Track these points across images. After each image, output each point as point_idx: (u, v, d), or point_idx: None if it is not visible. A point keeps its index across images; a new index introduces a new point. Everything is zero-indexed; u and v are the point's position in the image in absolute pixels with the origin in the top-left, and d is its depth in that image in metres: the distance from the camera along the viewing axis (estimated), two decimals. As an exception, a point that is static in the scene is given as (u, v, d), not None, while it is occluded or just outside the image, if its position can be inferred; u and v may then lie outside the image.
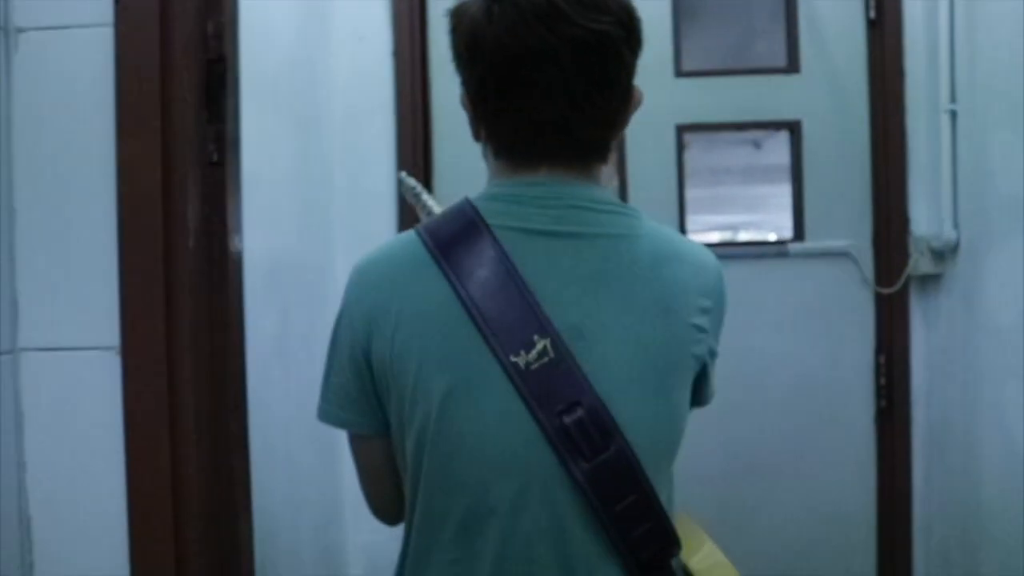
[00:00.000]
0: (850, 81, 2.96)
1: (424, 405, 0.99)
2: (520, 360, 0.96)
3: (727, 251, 3.01)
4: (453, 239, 1.02)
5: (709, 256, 1.12)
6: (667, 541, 1.04)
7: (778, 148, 3.11)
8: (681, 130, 2.98)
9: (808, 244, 2.95)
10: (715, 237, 3.20)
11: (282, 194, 2.39)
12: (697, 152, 3.03)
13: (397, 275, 1.03)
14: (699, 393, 1.14)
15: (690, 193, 3.00)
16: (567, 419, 0.96)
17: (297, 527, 2.43)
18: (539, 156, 1.05)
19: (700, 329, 1.06)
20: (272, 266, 2.28)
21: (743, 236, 3.17)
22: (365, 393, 1.05)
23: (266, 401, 2.20)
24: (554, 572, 0.99)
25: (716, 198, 3.18)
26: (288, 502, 2.36)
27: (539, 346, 0.96)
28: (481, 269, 0.99)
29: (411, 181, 2.13)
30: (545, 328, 0.97)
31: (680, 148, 2.98)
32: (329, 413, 1.10)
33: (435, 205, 2.09)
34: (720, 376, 2.86)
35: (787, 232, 3.02)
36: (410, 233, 1.07)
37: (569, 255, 1.02)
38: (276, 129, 2.34)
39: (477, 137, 1.11)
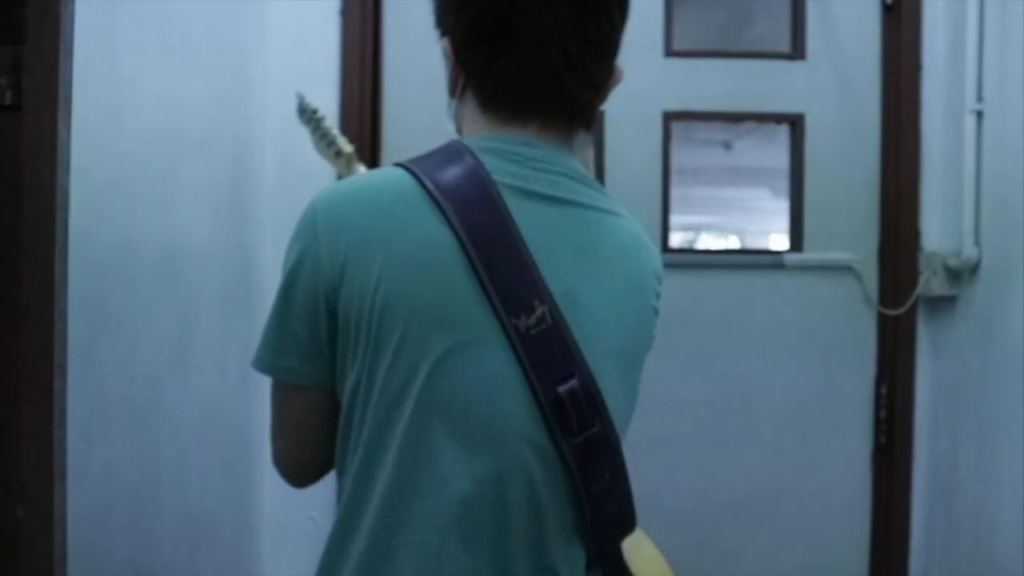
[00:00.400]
0: (861, 72, 2.59)
1: (412, 361, 0.92)
2: (521, 324, 0.92)
3: (712, 259, 2.62)
4: (456, 184, 0.95)
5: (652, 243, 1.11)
6: (628, 523, 1.02)
7: (750, 150, 2.70)
8: (668, 117, 2.57)
9: (806, 255, 2.58)
10: (698, 243, 2.78)
11: (189, 168, 1.92)
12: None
13: (384, 211, 0.94)
14: None
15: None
16: (561, 389, 0.92)
17: (195, 568, 1.97)
18: (531, 111, 1.01)
19: (656, 312, 1.06)
20: (171, 256, 1.82)
21: (719, 243, 2.76)
22: (317, 341, 0.96)
23: (154, 428, 1.75)
24: (530, 553, 0.95)
25: (689, 199, 2.76)
26: (181, 541, 1.90)
27: (539, 311, 0.92)
28: (485, 222, 0.93)
29: (313, 105, 1.77)
30: (544, 293, 0.93)
31: (667, 137, 2.57)
32: (270, 362, 0.99)
33: (340, 136, 1.78)
34: (698, 403, 2.56)
35: (781, 241, 2.61)
36: (395, 169, 0.98)
37: (562, 221, 0.98)
38: (183, 88, 1.88)
39: (453, 92, 1.05)
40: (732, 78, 2.58)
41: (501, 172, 0.97)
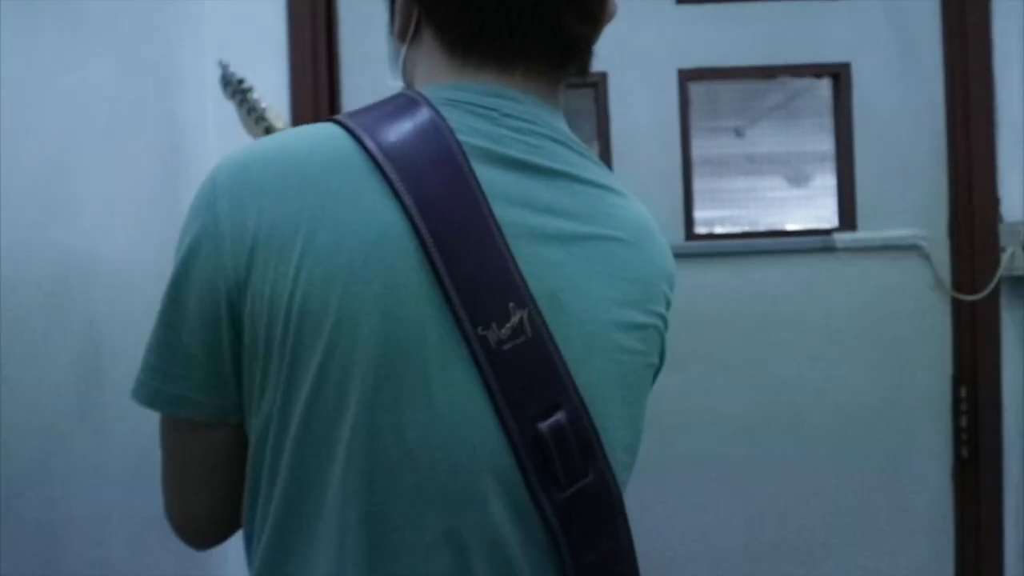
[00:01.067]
0: (917, 11, 2.25)
1: (340, 388, 0.72)
2: (491, 335, 0.74)
3: (746, 245, 2.27)
4: (407, 145, 0.76)
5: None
6: None
7: (765, 137, 2.38)
8: (684, 77, 2.24)
9: (861, 235, 2.25)
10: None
11: (92, 163, 1.58)
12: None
13: (309, 182, 0.74)
14: None
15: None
16: (543, 425, 0.74)
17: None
18: (514, 51, 0.81)
19: (666, 324, 0.86)
20: (66, 273, 1.47)
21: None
22: (217, 360, 0.77)
23: (50, 497, 1.41)
24: None
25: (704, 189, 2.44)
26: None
27: (515, 319, 0.74)
28: (445, 196, 0.74)
29: (238, 75, 1.59)
30: (523, 294, 0.75)
31: (684, 100, 2.23)
32: (153, 391, 0.79)
33: (271, 109, 1.58)
34: (738, 417, 2.23)
35: (830, 219, 2.27)
36: (327, 126, 0.78)
37: (547, 197, 0.79)
38: (85, 65, 1.55)
39: (404, 34, 0.86)
40: (761, 25, 2.25)
41: (468, 131, 0.79)
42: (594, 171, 0.85)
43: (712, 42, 2.25)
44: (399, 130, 0.77)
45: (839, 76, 2.24)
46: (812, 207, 2.29)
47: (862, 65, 2.23)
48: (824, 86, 2.28)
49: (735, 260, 2.23)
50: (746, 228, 2.28)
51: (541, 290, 0.77)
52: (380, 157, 0.75)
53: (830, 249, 2.22)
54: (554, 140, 0.82)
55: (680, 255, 2.27)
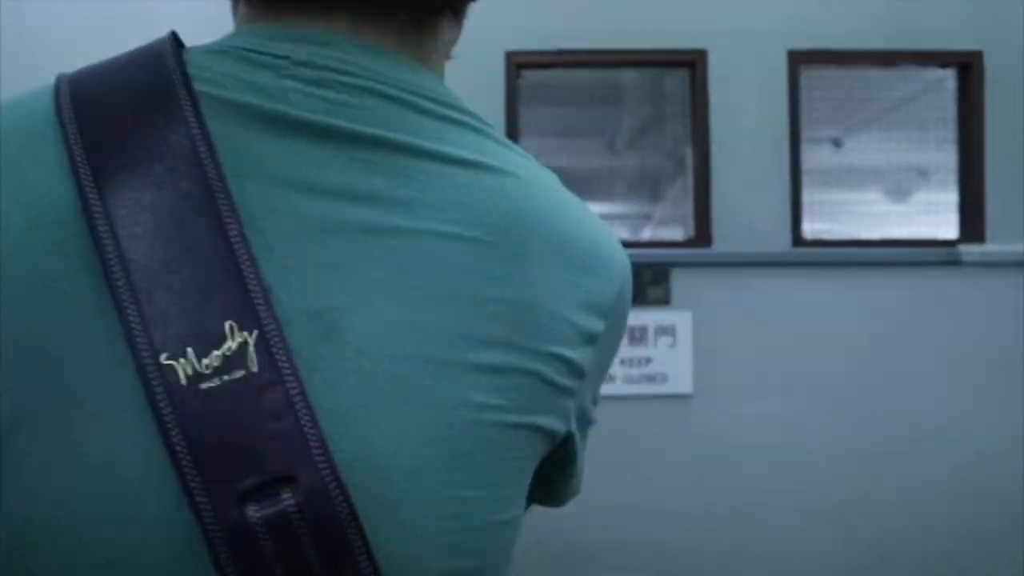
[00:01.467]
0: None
1: None
2: (181, 367, 0.51)
3: (859, 254, 2.04)
4: (112, 102, 0.60)
5: (615, 241, 0.60)
6: None
7: (863, 147, 2.20)
8: (795, 59, 2.01)
9: (989, 248, 2.05)
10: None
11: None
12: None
13: None
14: (554, 485, 0.62)
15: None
16: (254, 511, 0.50)
17: None
18: None
19: (573, 370, 0.56)
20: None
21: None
22: None
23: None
24: None
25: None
26: None
27: (231, 344, 0.52)
28: (149, 169, 0.56)
29: None
30: (255, 310, 0.53)
31: (794, 84, 2.01)
32: None
33: None
34: (848, 450, 1.80)
35: (950, 231, 2.04)
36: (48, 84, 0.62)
37: (344, 176, 0.56)
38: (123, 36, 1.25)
39: None
40: (879, 5, 2.04)
41: (229, 83, 0.59)
42: (459, 141, 0.61)
43: (826, 22, 2.05)
44: (107, 83, 0.62)
45: (968, 67, 2.02)
46: (928, 220, 2.07)
47: (996, 54, 2.04)
48: (948, 77, 2.06)
49: (846, 272, 2.01)
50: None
51: (300, 305, 0.55)
52: (67, 115, 0.58)
53: (955, 263, 2.00)
54: (386, 97, 0.61)
55: (784, 264, 2.08)
